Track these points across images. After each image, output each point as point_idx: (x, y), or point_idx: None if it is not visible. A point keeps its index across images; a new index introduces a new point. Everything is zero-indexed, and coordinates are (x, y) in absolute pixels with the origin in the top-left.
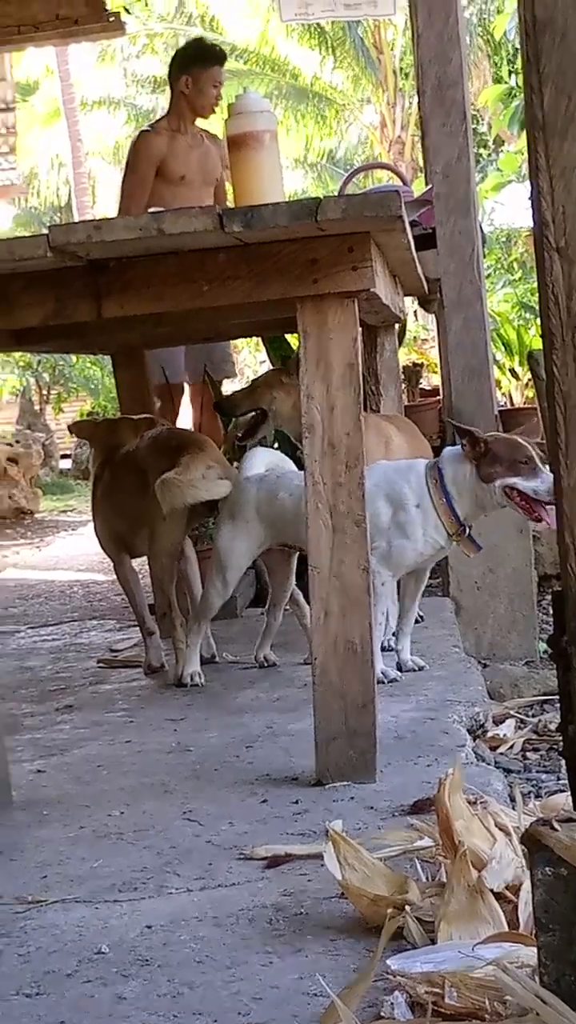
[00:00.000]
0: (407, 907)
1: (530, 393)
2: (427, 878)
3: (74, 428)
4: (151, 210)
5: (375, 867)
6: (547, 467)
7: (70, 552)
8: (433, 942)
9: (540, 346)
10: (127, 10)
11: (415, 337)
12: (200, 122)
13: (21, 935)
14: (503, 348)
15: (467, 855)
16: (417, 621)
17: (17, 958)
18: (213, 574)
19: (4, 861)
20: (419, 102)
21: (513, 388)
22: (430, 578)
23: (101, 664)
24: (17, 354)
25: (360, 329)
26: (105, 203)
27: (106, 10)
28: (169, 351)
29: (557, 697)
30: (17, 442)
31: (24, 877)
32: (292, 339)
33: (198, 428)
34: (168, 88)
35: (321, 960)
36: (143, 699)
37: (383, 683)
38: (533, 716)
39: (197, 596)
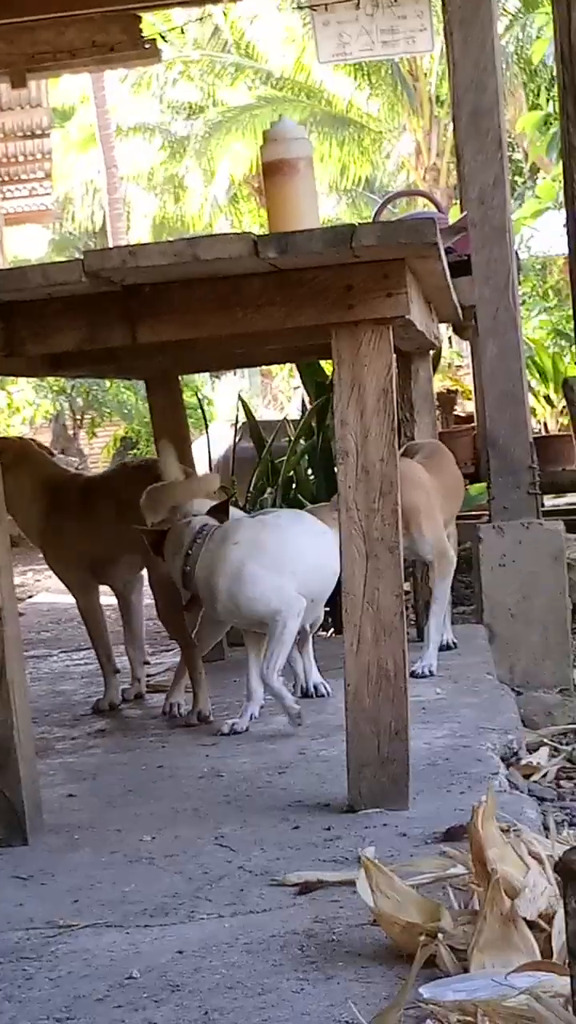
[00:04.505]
0: (440, 935)
1: (565, 420)
2: (460, 906)
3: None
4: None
5: (407, 894)
6: None
7: None
8: (466, 970)
9: (575, 373)
10: (163, 37)
11: (450, 364)
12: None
13: (52, 959)
14: (538, 375)
15: (500, 883)
16: (450, 648)
17: (48, 982)
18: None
19: (35, 885)
20: (454, 129)
21: (548, 415)
22: (464, 604)
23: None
24: (51, 379)
25: (394, 356)
26: (140, 229)
27: (142, 37)
28: None
29: None
30: None
31: (55, 901)
32: (326, 365)
33: None
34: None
35: (353, 987)
36: (175, 724)
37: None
38: (567, 744)
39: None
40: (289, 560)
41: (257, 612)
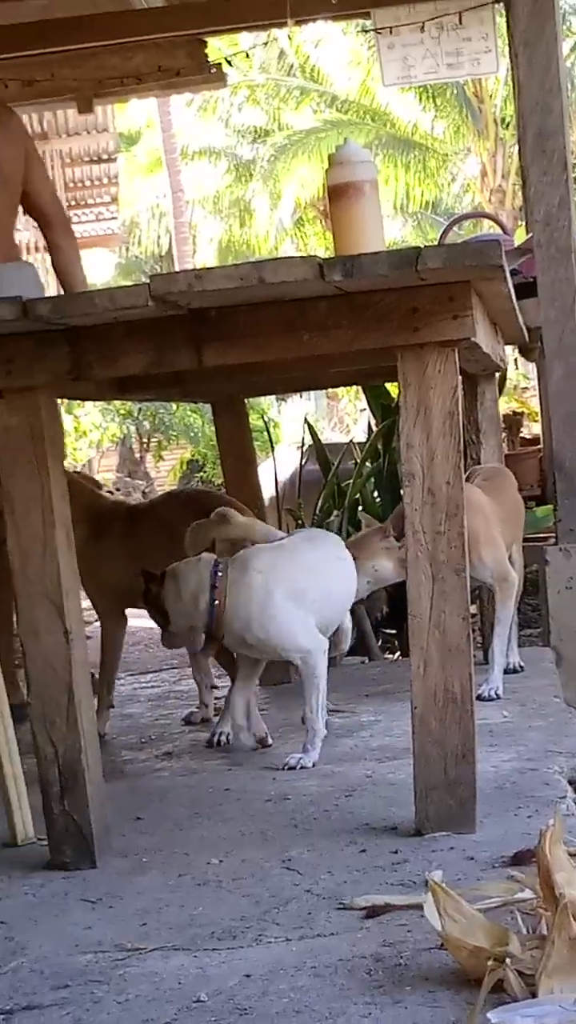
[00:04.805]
0: (507, 959)
1: None
2: (528, 930)
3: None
4: None
5: (475, 918)
6: None
7: None
8: (534, 995)
9: None
10: (228, 61)
11: (515, 386)
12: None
13: (120, 982)
14: None
15: (568, 907)
16: (516, 671)
17: (116, 1005)
18: None
19: (103, 908)
20: (520, 151)
21: None
22: (530, 627)
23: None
24: (117, 402)
25: (460, 378)
26: (206, 252)
27: (207, 62)
28: None
29: None
30: (118, 490)
31: (123, 924)
32: (392, 388)
33: None
34: None
35: (421, 1012)
36: (242, 747)
37: None
38: None
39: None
40: (308, 586)
41: (285, 646)
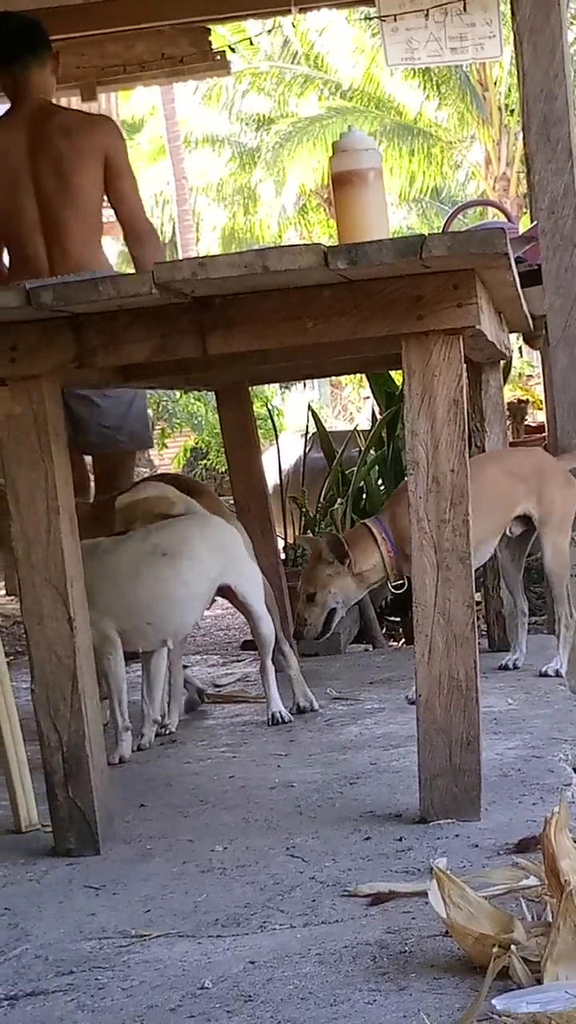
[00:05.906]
0: (512, 946)
1: None
2: (533, 917)
3: None
4: None
5: (480, 905)
6: None
7: None
8: (539, 982)
9: None
10: (232, 49)
11: (520, 374)
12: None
13: (125, 969)
14: None
15: (574, 894)
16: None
17: (120, 992)
18: None
19: (108, 895)
20: (525, 139)
21: None
22: (535, 615)
23: (205, 699)
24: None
25: (465, 366)
26: (209, 240)
27: (211, 49)
28: None
29: None
30: None
31: (128, 911)
32: (396, 376)
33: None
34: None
35: (425, 999)
36: (246, 734)
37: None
38: None
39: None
40: (101, 587)
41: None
